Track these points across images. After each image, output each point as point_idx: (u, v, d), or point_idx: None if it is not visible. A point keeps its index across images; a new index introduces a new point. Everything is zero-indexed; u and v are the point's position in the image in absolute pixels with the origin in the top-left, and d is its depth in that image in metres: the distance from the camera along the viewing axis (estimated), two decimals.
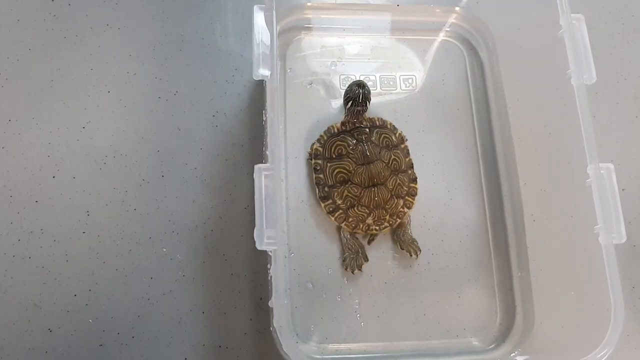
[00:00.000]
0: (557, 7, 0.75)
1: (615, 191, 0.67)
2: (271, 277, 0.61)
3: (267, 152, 0.63)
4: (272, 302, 0.63)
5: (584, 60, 0.70)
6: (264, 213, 0.61)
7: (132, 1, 0.90)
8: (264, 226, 0.61)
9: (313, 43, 0.92)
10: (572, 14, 0.72)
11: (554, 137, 0.82)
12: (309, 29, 0.92)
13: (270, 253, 0.61)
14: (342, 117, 0.87)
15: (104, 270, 0.78)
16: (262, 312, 0.79)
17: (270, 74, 0.64)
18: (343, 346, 0.79)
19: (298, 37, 0.91)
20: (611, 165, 0.68)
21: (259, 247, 0.60)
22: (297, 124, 0.87)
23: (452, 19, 0.94)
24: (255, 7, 0.67)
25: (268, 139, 0.64)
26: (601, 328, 0.67)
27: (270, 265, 0.63)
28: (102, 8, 0.89)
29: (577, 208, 0.76)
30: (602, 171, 0.68)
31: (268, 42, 0.65)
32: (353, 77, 0.90)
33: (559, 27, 0.74)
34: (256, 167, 0.63)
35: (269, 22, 0.66)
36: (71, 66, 0.86)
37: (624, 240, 0.67)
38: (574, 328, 0.75)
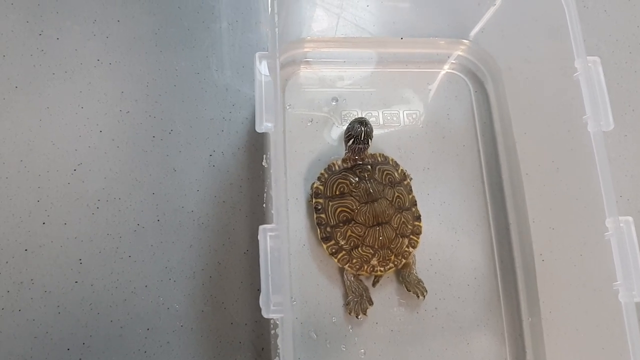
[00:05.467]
0: (569, 42, 0.72)
1: (635, 246, 0.65)
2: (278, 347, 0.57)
3: (272, 211, 0.59)
4: None
5: (601, 107, 0.68)
6: (269, 278, 0.58)
7: (123, 35, 0.86)
8: (270, 292, 0.57)
9: (313, 77, 0.88)
10: (588, 57, 0.69)
11: (562, 173, 0.79)
12: (308, 62, 0.89)
13: (277, 321, 0.58)
14: (343, 153, 0.84)
15: (98, 321, 0.75)
16: None
17: (274, 128, 0.60)
18: None
19: (297, 71, 0.88)
20: (630, 219, 0.66)
21: (265, 315, 0.57)
22: (297, 164, 0.84)
23: (457, 51, 0.91)
24: (257, 55, 0.63)
25: (273, 197, 0.60)
26: None
27: (275, 331, 0.59)
28: (92, 42, 0.85)
29: (587, 246, 0.74)
30: (621, 224, 0.65)
31: (271, 93, 0.61)
32: (354, 113, 0.87)
33: (572, 65, 0.72)
34: (261, 227, 0.59)
35: (272, 71, 0.62)
36: (61, 104, 0.82)
37: None
38: None
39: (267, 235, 0.59)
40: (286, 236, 0.58)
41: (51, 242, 0.77)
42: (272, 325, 0.64)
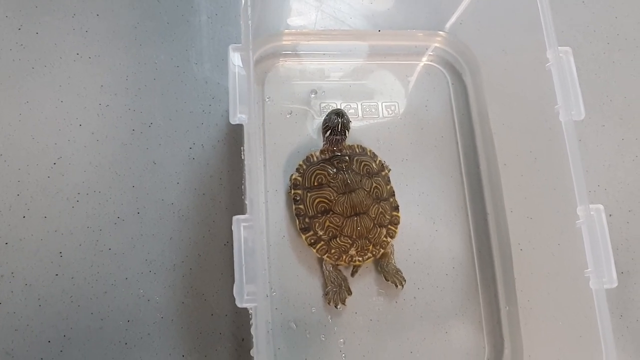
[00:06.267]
0: (543, 35, 0.72)
1: (605, 234, 0.65)
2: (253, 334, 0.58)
3: (246, 202, 0.60)
4: (254, 352, 0.60)
5: (572, 96, 0.68)
6: (243, 267, 0.58)
7: (103, 29, 0.86)
8: (244, 281, 0.58)
9: (292, 70, 0.89)
10: (559, 47, 0.69)
11: (539, 163, 0.80)
12: (288, 55, 0.89)
13: (250, 310, 0.58)
14: (322, 145, 0.85)
15: (79, 314, 0.75)
16: (244, 354, 0.76)
17: (248, 119, 0.61)
18: None
19: (277, 63, 0.88)
20: (601, 207, 0.66)
21: (239, 304, 0.58)
22: (276, 155, 0.85)
23: (435, 43, 0.92)
24: (231, 47, 0.64)
25: (247, 188, 0.61)
26: None
27: (251, 319, 0.60)
28: (71, 36, 0.85)
29: (563, 235, 0.74)
30: (592, 212, 0.66)
31: (245, 85, 0.62)
32: (333, 105, 0.87)
33: (546, 58, 0.72)
34: (234, 218, 0.60)
35: (245, 63, 0.63)
36: (40, 98, 0.82)
37: (615, 285, 0.65)
38: None
39: (240, 226, 0.59)
40: (260, 226, 0.58)
41: (31, 235, 0.77)
42: (250, 316, 0.64)
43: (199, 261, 0.79)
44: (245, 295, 0.58)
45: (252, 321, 0.59)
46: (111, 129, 0.82)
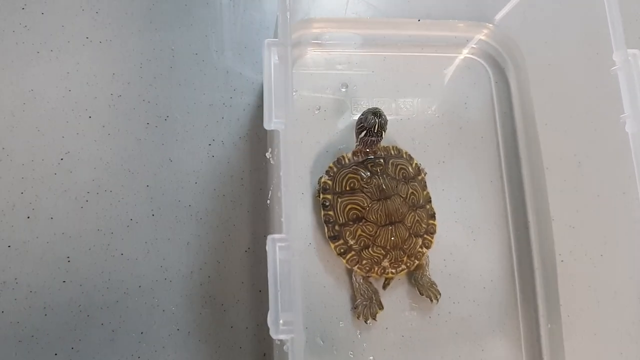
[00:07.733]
0: (603, 31, 0.66)
1: None
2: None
3: (282, 219, 0.54)
4: None
5: None
6: (278, 294, 0.52)
7: (115, 10, 0.81)
8: (279, 309, 0.52)
9: (322, 61, 0.83)
10: (628, 50, 0.63)
11: (584, 168, 0.76)
12: (317, 45, 0.83)
13: (286, 342, 0.52)
14: (353, 144, 0.79)
15: (88, 324, 0.71)
16: None
17: (286, 125, 0.54)
18: None
19: (304, 54, 0.83)
20: None
21: (273, 335, 0.52)
22: (303, 155, 0.79)
23: (478, 34, 0.86)
24: (266, 42, 0.57)
25: (283, 203, 0.54)
26: None
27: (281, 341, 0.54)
28: (80, 18, 0.80)
29: (607, 246, 0.71)
30: None
31: (282, 85, 0.55)
32: (365, 101, 0.82)
33: (604, 56, 0.66)
34: (269, 237, 0.54)
35: (283, 61, 0.56)
36: (46, 87, 0.77)
37: None
38: None
39: (276, 246, 0.53)
40: (297, 247, 0.52)
41: (36, 238, 0.72)
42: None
43: (218, 268, 0.75)
44: (281, 325, 0.52)
45: (286, 348, 0.53)
46: (124, 122, 0.78)
